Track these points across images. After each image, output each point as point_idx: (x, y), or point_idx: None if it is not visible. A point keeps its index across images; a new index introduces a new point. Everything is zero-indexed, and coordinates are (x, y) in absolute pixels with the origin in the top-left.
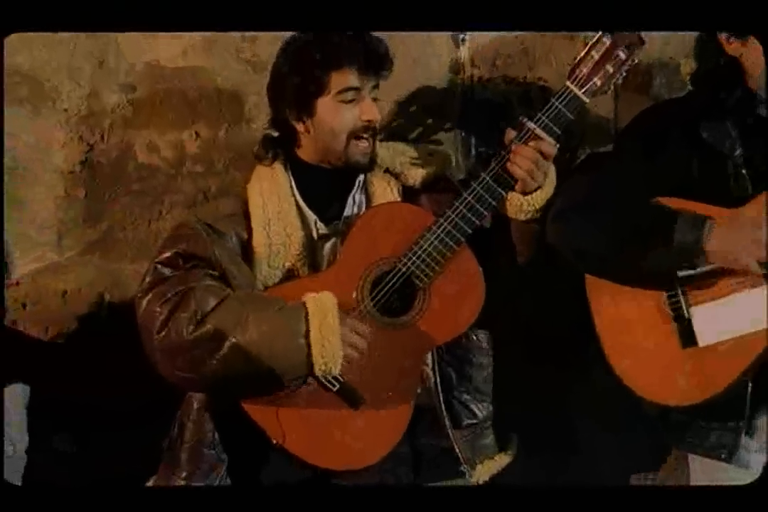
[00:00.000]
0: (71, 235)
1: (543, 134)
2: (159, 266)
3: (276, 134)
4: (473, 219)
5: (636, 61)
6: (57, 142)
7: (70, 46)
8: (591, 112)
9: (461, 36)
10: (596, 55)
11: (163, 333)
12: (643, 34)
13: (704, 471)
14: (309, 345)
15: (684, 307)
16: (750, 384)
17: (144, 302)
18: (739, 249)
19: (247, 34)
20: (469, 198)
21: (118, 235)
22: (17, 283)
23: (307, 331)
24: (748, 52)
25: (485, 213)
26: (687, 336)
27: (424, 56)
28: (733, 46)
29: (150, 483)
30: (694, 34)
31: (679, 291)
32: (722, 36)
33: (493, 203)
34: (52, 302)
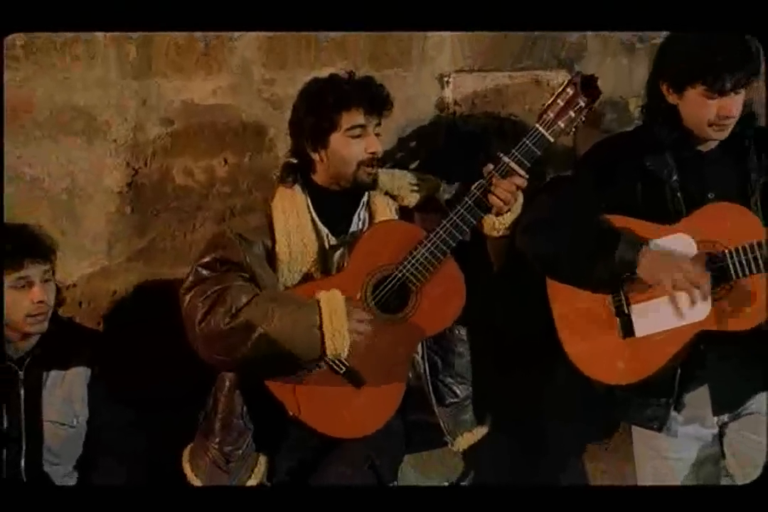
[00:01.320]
0: (119, 244)
1: (516, 167)
2: (200, 268)
3: (295, 161)
4: (457, 234)
5: (593, 108)
6: (107, 168)
7: (118, 87)
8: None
9: (446, 79)
10: (561, 102)
11: (204, 323)
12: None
13: (641, 439)
14: (322, 335)
15: (624, 305)
16: (679, 369)
17: (187, 298)
18: (661, 272)
19: (266, 76)
20: (454, 218)
21: (159, 245)
22: (74, 285)
23: (321, 323)
24: (684, 103)
25: (467, 230)
26: (626, 328)
27: (415, 96)
28: (671, 97)
29: (187, 450)
30: (642, 77)
31: (621, 293)
32: (664, 86)
33: (473, 222)
34: (103, 301)
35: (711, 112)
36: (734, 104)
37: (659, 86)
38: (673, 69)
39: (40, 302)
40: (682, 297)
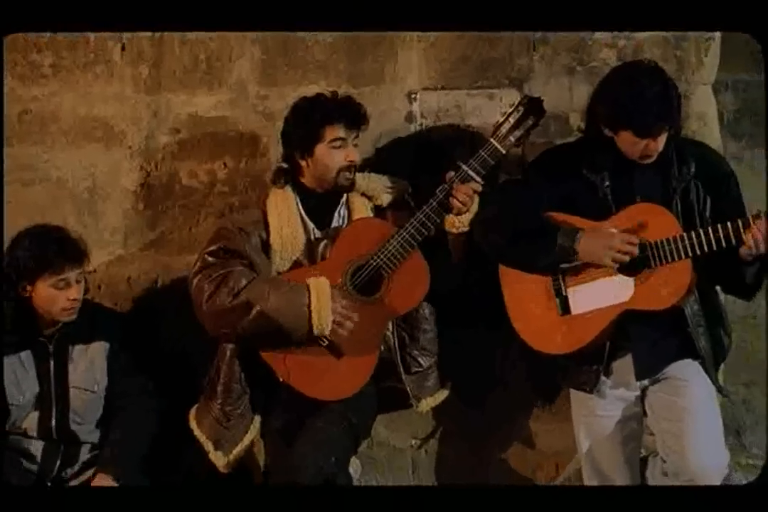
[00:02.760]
0: (133, 236)
1: (473, 174)
2: (206, 256)
3: (286, 167)
4: (423, 230)
5: (538, 125)
6: (123, 170)
7: (133, 101)
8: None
9: (413, 95)
10: (512, 120)
11: (210, 302)
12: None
13: (577, 401)
14: (310, 313)
15: (563, 288)
16: (607, 341)
17: (196, 280)
18: (597, 251)
19: (260, 92)
20: (421, 216)
21: (168, 236)
22: (95, 271)
23: (309, 303)
24: (618, 139)
25: (431, 227)
26: (564, 307)
27: (387, 110)
28: (607, 132)
29: (193, 409)
30: (580, 95)
31: (560, 277)
32: (600, 124)
33: (437, 221)
34: (120, 285)
35: (640, 149)
36: (660, 142)
37: (597, 121)
38: (606, 113)
39: (74, 299)
40: (611, 281)
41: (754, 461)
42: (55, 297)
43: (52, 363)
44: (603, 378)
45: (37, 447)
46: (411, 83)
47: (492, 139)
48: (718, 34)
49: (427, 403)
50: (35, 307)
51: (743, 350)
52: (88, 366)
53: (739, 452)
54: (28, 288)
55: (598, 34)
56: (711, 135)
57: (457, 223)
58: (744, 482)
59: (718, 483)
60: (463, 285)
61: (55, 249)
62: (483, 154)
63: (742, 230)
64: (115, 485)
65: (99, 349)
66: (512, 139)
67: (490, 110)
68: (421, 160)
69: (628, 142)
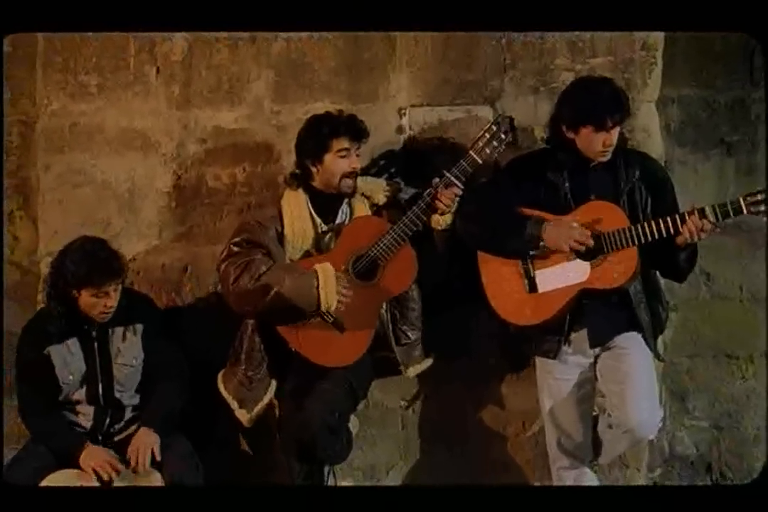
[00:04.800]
0: (167, 230)
1: (455, 180)
2: (232, 246)
3: (299, 172)
4: (412, 227)
5: (511, 139)
6: (158, 174)
7: (166, 115)
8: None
9: (403, 111)
10: (488, 135)
11: (235, 284)
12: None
13: (541, 366)
14: (318, 294)
15: (531, 270)
16: (567, 315)
17: (223, 266)
18: (559, 240)
19: (274, 108)
20: (411, 215)
21: (196, 230)
22: (134, 259)
23: (317, 285)
24: (578, 138)
25: (419, 224)
26: (532, 286)
27: (381, 124)
28: (569, 134)
29: (221, 374)
30: (543, 111)
31: (529, 261)
32: (563, 126)
33: (424, 219)
34: (156, 271)
35: (598, 144)
36: (614, 136)
37: (559, 126)
38: (569, 114)
39: (111, 306)
40: (572, 265)
41: (696, 422)
42: (95, 304)
43: (96, 345)
44: (564, 346)
45: (88, 410)
46: (401, 101)
47: (471, 151)
48: (660, 59)
49: (414, 370)
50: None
51: (688, 327)
52: (127, 344)
53: (683, 415)
54: (74, 293)
55: (558, 60)
56: (654, 145)
57: (442, 222)
58: (687, 440)
59: (653, 435)
60: (448, 271)
61: (100, 267)
62: (463, 163)
63: (678, 223)
64: (157, 437)
65: (136, 330)
66: (488, 151)
67: (467, 124)
68: (410, 166)
69: (587, 140)
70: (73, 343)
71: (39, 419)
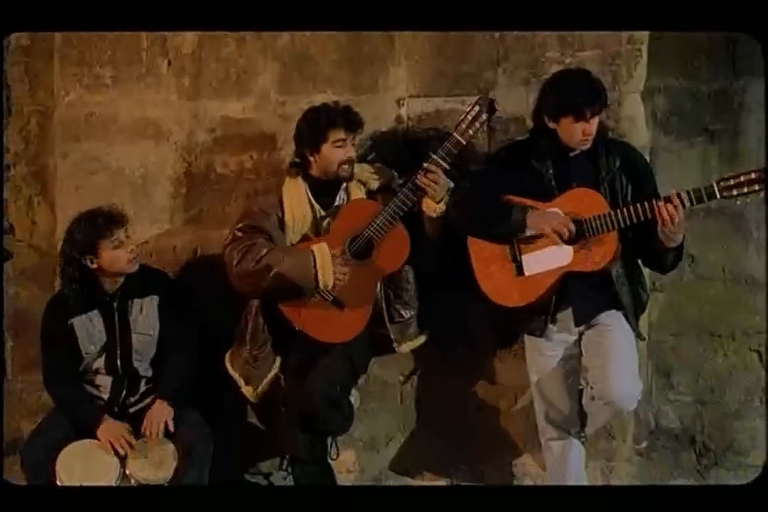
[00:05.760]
0: (178, 214)
1: (441, 161)
2: (236, 231)
3: (298, 160)
4: (403, 207)
5: (491, 121)
6: (170, 161)
7: (177, 105)
8: (476, 145)
9: (401, 102)
10: (470, 116)
11: (238, 266)
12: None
13: (530, 344)
14: (316, 272)
15: (517, 254)
16: (553, 296)
17: (227, 250)
18: (543, 223)
19: (279, 99)
20: (401, 195)
21: (205, 214)
22: (147, 242)
23: (314, 264)
24: (560, 128)
25: (410, 204)
26: (518, 269)
27: (381, 113)
28: (551, 124)
29: (228, 353)
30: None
31: (515, 245)
32: (545, 117)
33: (414, 199)
34: (167, 253)
35: (578, 133)
36: (593, 125)
37: (542, 117)
38: (550, 106)
39: (132, 250)
40: (556, 249)
41: (680, 397)
42: (118, 255)
43: (116, 315)
44: (550, 325)
45: (106, 382)
46: (400, 92)
47: (455, 133)
48: (645, 52)
49: (407, 346)
50: (100, 273)
51: (673, 307)
52: (145, 315)
53: (668, 390)
54: (94, 259)
55: (549, 53)
56: (639, 134)
57: (437, 210)
58: (671, 414)
59: (633, 406)
60: (442, 256)
61: (102, 219)
62: (448, 144)
63: (656, 208)
64: (171, 410)
65: (152, 301)
66: (471, 132)
67: (462, 113)
68: (407, 153)
69: (568, 129)
70: (95, 315)
71: (63, 388)
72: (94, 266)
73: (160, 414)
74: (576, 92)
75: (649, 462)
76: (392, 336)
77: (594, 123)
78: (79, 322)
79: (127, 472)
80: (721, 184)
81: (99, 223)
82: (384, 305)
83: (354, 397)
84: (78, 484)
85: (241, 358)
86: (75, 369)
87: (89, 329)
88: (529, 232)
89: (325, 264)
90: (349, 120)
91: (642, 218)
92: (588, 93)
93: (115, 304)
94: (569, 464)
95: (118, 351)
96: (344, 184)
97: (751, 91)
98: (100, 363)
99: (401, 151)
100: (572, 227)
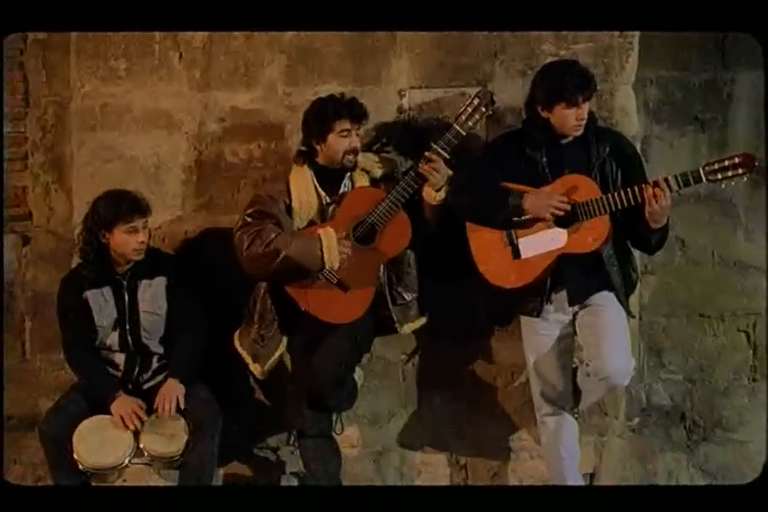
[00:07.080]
0: (189, 200)
1: (441, 151)
2: (245, 216)
3: (305, 149)
4: (405, 194)
5: (491, 112)
6: (181, 150)
7: (189, 96)
8: (473, 134)
9: (403, 93)
10: (470, 109)
11: (248, 250)
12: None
13: (526, 324)
14: (322, 254)
15: (514, 238)
16: (548, 277)
17: (237, 234)
18: (539, 208)
19: (286, 90)
20: (403, 183)
21: (215, 201)
22: (159, 227)
23: (321, 246)
24: (553, 116)
25: (411, 191)
26: (515, 253)
27: (383, 104)
28: (543, 113)
29: (237, 333)
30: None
31: (512, 230)
32: (538, 106)
33: (415, 186)
34: (179, 238)
35: (571, 119)
36: (585, 110)
37: (535, 107)
38: (542, 95)
39: (142, 242)
40: (551, 232)
41: (671, 375)
42: (128, 240)
43: (126, 294)
44: (546, 306)
45: (120, 359)
46: (401, 83)
47: (455, 124)
48: (636, 45)
49: (409, 327)
50: (112, 252)
51: (664, 289)
52: (153, 295)
53: (659, 369)
54: (107, 235)
55: (544, 46)
56: (631, 123)
57: (437, 197)
58: (662, 392)
59: (626, 382)
60: (440, 243)
61: (127, 204)
62: (448, 135)
63: (645, 191)
64: (182, 387)
65: (160, 282)
66: (470, 123)
67: (461, 104)
68: (408, 142)
69: (561, 116)
70: (107, 291)
71: (81, 354)
72: (105, 241)
73: (173, 391)
74: (566, 80)
75: (641, 438)
76: (394, 318)
77: (585, 108)
78: (92, 295)
79: (141, 446)
80: (707, 168)
81: (123, 205)
82: (386, 288)
83: (358, 375)
84: (90, 465)
85: (249, 337)
86: (92, 341)
87: (101, 304)
88: (525, 217)
89: (331, 246)
90: (355, 111)
91: (632, 202)
92: (578, 79)
93: (124, 283)
94: (563, 439)
95: (127, 326)
96: (349, 173)
97: (740, 82)
98: (113, 339)
99: (403, 140)
100: (567, 207)
